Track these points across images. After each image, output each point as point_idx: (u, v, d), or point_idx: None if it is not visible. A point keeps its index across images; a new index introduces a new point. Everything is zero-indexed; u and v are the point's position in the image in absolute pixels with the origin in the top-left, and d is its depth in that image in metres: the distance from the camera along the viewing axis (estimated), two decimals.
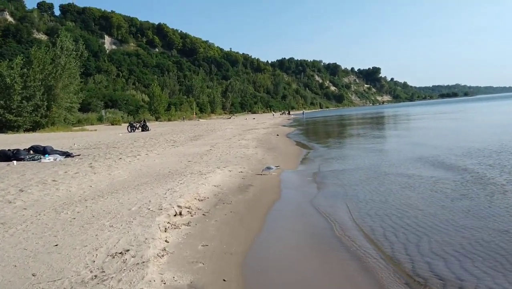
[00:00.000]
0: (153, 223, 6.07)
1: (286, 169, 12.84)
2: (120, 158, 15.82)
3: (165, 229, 5.97)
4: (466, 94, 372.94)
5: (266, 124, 46.66)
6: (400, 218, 6.68)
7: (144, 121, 41.62)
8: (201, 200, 8.14)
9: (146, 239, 5.33)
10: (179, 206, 7.21)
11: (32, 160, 14.73)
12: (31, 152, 15.71)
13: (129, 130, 38.17)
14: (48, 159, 14.74)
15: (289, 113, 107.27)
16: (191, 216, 7.01)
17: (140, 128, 39.44)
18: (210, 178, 10.36)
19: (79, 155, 16.73)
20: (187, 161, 14.62)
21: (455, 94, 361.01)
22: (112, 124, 53.80)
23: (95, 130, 42.43)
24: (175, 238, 5.72)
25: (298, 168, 13.59)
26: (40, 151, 15.84)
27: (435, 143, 17.31)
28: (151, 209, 6.98)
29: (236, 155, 15.84)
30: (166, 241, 5.46)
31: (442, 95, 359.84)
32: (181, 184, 9.56)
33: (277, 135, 28.70)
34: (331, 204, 8.01)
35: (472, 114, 47.12)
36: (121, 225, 6.06)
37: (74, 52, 44.17)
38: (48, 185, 9.99)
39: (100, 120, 58.08)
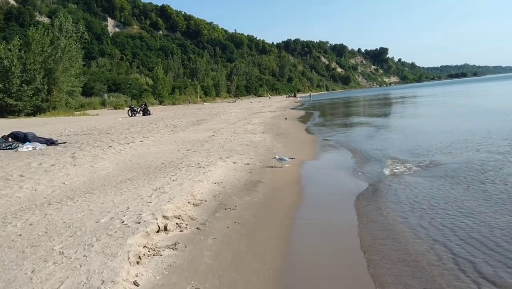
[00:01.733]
0: (121, 249, 4.18)
1: (304, 160, 10.84)
2: (110, 146, 13.96)
3: (139, 258, 4.09)
4: (475, 74, 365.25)
5: (272, 108, 44.48)
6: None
7: (145, 105, 39.64)
8: (197, 205, 6.24)
9: (102, 283, 3.43)
10: (165, 217, 5.32)
11: (9, 148, 12.90)
12: (10, 139, 13.87)
13: (130, 114, 36.29)
14: (27, 147, 12.89)
15: (295, 96, 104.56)
16: (181, 231, 5.12)
17: (141, 112, 37.58)
18: (210, 172, 8.44)
19: (64, 143, 14.88)
20: (186, 149, 12.71)
21: (464, 75, 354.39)
22: (115, 109, 52.02)
23: (97, 114, 40.67)
24: (150, 275, 3.83)
25: (318, 157, 11.59)
26: (21, 138, 14.00)
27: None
28: (125, 223, 5.09)
29: (241, 142, 13.90)
30: (135, 284, 3.56)
31: (451, 76, 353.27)
32: (173, 180, 7.65)
33: (286, 119, 26.66)
34: (398, 214, 5.96)
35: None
36: (75, 252, 4.18)
37: (74, 34, 42.18)
38: (11, 182, 8.14)
39: (103, 104, 56.35)
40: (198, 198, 6.56)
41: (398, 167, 8.89)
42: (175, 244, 4.64)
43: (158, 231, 4.92)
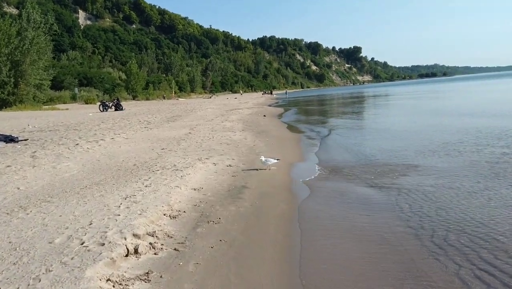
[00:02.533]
0: (77, 286, 3.21)
1: (290, 161, 9.99)
2: (77, 144, 12.78)
3: None
4: (445, 74, 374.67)
5: (249, 104, 43.56)
6: None
7: (118, 100, 38.14)
8: (174, 217, 5.30)
9: None
10: (135, 235, 4.38)
11: None
12: None
13: (101, 109, 34.69)
14: None
15: (271, 93, 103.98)
16: (155, 253, 4.18)
17: (113, 107, 36.04)
18: (188, 176, 7.49)
19: (26, 140, 13.56)
20: (160, 148, 11.69)
21: (434, 74, 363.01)
22: (86, 103, 50.20)
23: (67, 109, 38.95)
24: None
25: (304, 158, 10.77)
26: None
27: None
28: (85, 245, 4.11)
29: (221, 141, 12.96)
30: None
31: (421, 75, 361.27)
32: (146, 186, 6.67)
33: (264, 116, 25.82)
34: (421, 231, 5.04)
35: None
36: None
37: (42, 25, 40.19)
38: None
39: (73, 99, 54.36)
40: (175, 208, 5.62)
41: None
42: (148, 273, 3.70)
43: (127, 255, 3.97)
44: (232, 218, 5.43)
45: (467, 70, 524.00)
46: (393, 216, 5.51)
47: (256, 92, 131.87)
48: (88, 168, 9.00)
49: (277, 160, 8.89)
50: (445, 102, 33.91)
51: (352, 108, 33.88)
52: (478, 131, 13.11)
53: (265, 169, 8.60)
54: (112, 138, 14.50)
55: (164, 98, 72.57)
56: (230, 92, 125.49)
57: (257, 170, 8.50)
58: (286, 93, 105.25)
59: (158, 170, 8.10)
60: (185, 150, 11.14)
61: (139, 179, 7.35)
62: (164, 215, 5.27)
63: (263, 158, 8.75)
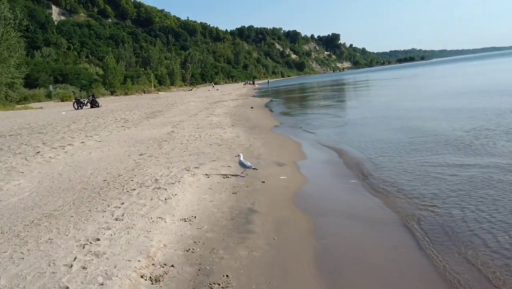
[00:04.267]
0: None
1: (297, 166, 8.10)
2: (38, 152, 10.72)
3: None
4: (422, 58, 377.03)
5: (233, 96, 41.48)
6: None
7: (94, 96, 35.65)
8: (157, 280, 3.40)
9: None
10: None
11: None
12: None
13: (76, 107, 32.17)
14: None
15: (253, 83, 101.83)
16: None
17: (88, 104, 33.56)
18: (175, 197, 5.57)
19: None
20: (138, 154, 9.73)
21: (412, 59, 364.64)
22: (62, 101, 47.50)
23: (41, 108, 36.46)
24: None
25: (307, 157, 8.91)
26: None
27: None
28: None
29: (209, 141, 11.03)
30: None
31: (400, 60, 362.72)
32: (117, 220, 4.74)
33: (252, 108, 23.89)
34: None
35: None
36: None
37: (12, 21, 37.76)
38: None
39: (49, 96, 51.63)
40: (158, 259, 3.73)
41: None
42: None
43: None
44: (246, 273, 3.56)
45: (443, 53, 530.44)
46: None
47: (237, 82, 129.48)
48: (44, 186, 7.02)
49: (254, 168, 7.09)
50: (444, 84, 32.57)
51: (335, 96, 32.25)
52: None
53: (244, 176, 6.84)
54: (83, 142, 12.47)
55: (144, 92, 69.97)
56: (211, 83, 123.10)
57: (263, 182, 6.62)
58: (268, 82, 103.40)
59: (134, 189, 6.15)
60: (168, 155, 9.20)
61: (108, 205, 5.41)
62: (142, 277, 3.38)
63: (241, 157, 7.06)
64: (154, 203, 5.32)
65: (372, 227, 4.70)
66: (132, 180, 6.88)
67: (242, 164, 7.04)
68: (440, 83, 35.22)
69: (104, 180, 7.16)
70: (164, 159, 8.81)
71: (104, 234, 4.27)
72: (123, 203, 5.41)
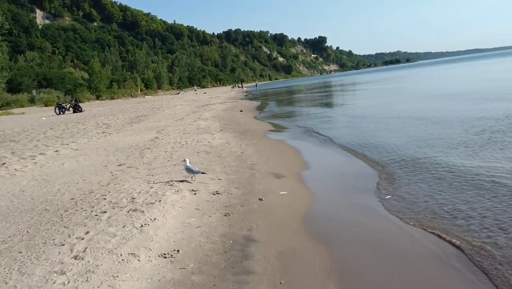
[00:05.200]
0: None
1: (299, 176, 7.07)
2: (3, 163, 9.55)
3: None
4: (408, 60, 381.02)
5: (221, 99, 40.36)
6: None
7: (76, 100, 34.33)
8: None
9: None
10: None
11: None
12: None
13: (57, 112, 30.83)
14: None
15: (241, 86, 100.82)
16: None
17: (71, 109, 32.17)
18: (154, 222, 4.50)
19: None
20: (117, 164, 8.63)
21: (397, 61, 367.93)
22: (46, 106, 46.00)
23: (23, 113, 35.03)
24: None
25: (310, 166, 7.88)
26: None
27: None
28: None
29: (197, 148, 9.96)
30: None
31: (386, 62, 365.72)
32: (76, 258, 3.65)
33: (241, 111, 22.84)
34: None
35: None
36: None
37: None
38: None
39: (32, 101, 49.99)
40: None
41: None
42: None
43: None
44: None
45: (428, 55, 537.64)
46: None
47: (225, 86, 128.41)
48: (0, 207, 5.88)
49: (203, 173, 6.51)
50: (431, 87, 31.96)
51: (325, 97, 31.42)
52: None
53: (190, 182, 6.17)
54: (57, 151, 11.33)
55: (132, 96, 68.55)
56: (199, 87, 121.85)
57: (261, 199, 5.56)
58: (256, 85, 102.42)
59: (105, 212, 5.05)
60: (150, 166, 8.11)
61: (69, 235, 4.30)
62: None
63: (187, 162, 6.45)
64: (126, 231, 4.24)
65: (411, 263, 3.69)
66: (104, 199, 5.78)
67: (189, 170, 6.51)
68: (429, 85, 34.68)
69: (72, 198, 6.05)
70: (145, 170, 7.72)
71: (54, 282, 3.18)
72: (87, 232, 4.31)
